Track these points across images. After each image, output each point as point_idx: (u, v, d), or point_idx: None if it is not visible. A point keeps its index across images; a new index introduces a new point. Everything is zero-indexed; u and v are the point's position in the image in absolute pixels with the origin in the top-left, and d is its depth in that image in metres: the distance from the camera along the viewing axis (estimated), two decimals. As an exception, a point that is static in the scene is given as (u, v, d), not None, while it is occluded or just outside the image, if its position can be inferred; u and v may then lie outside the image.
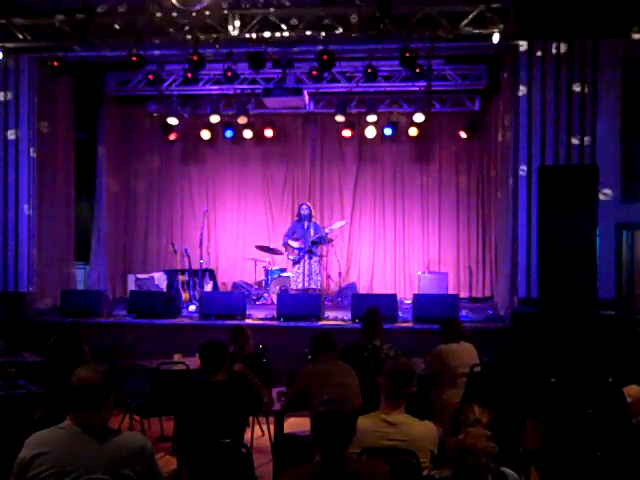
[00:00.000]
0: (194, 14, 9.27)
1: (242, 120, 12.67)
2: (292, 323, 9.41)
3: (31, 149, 10.42)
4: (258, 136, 13.31)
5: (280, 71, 11.16)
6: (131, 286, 11.97)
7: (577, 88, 9.37)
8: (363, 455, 3.58)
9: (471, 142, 13.03)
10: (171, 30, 9.52)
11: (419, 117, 11.95)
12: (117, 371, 6.89)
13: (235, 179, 13.93)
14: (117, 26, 9.51)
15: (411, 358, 5.78)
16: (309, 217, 11.71)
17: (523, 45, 9.45)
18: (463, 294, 12.36)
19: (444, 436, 3.13)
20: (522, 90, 9.51)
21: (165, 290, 11.28)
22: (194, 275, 11.49)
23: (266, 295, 11.83)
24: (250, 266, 12.59)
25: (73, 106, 11.61)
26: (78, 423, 2.87)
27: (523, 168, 9.49)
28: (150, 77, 10.97)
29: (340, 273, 12.46)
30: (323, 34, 9.25)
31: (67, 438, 2.85)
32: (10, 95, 10.34)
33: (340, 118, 12.58)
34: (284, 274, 11.93)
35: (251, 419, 5.77)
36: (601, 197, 8.92)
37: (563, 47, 9.38)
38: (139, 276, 12.03)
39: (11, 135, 10.33)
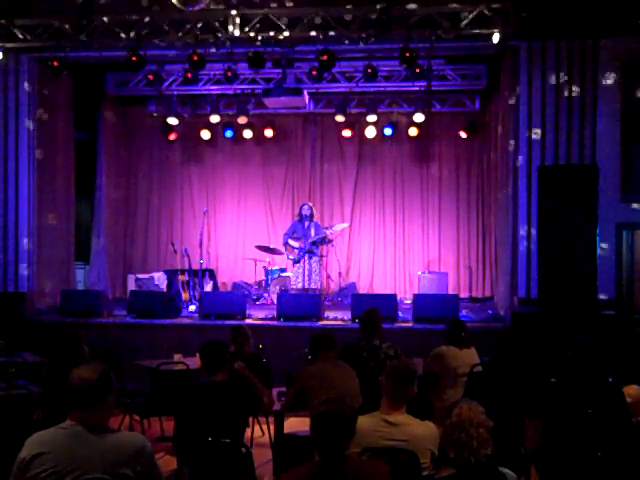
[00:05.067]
0: (194, 14, 9.27)
1: (242, 120, 12.67)
2: (292, 323, 9.40)
3: (31, 149, 10.42)
4: (258, 136, 13.31)
5: (280, 71, 11.15)
6: (131, 286, 11.97)
7: (577, 88, 9.37)
8: (363, 455, 3.59)
9: (471, 142, 13.03)
10: (171, 30, 9.52)
11: (419, 117, 11.95)
12: (118, 371, 6.89)
13: (235, 179, 13.93)
14: (117, 26, 9.50)
15: (411, 358, 5.78)
16: (310, 217, 11.70)
17: (523, 45, 9.45)
18: (463, 294, 12.36)
19: (443, 436, 3.13)
20: (522, 90, 9.51)
21: (165, 290, 11.28)
22: (194, 275, 11.48)
23: (266, 295, 11.83)
24: (250, 266, 12.59)
25: (73, 106, 11.61)
26: (78, 423, 2.87)
27: (523, 168, 9.49)
28: (150, 77, 10.96)
29: (340, 273, 12.46)
30: (323, 34, 9.24)
31: (67, 438, 2.85)
32: (10, 95, 10.33)
33: (340, 118, 12.59)
34: (284, 274, 11.93)
35: (251, 419, 5.77)
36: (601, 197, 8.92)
37: (563, 47, 9.39)
38: (139, 276, 12.03)
39: (11, 135, 10.33)
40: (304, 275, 11.32)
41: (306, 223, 11.65)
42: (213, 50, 9.58)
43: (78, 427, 2.87)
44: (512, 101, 9.84)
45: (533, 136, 9.46)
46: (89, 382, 2.89)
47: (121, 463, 2.83)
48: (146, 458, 2.90)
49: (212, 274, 12.32)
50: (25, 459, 2.83)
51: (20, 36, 9.74)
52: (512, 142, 9.76)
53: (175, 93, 12.55)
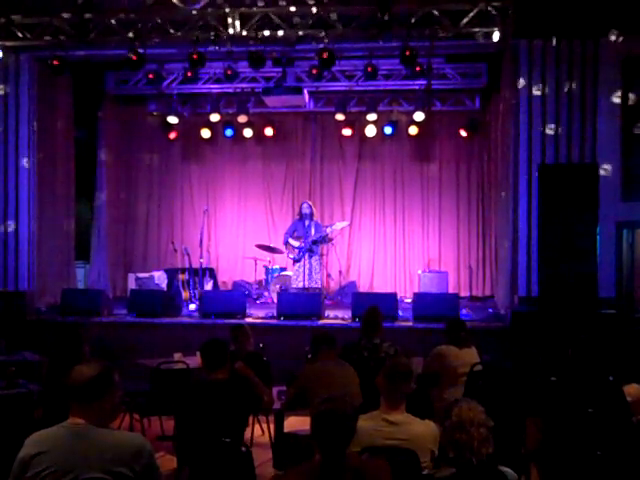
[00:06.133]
0: (194, 13, 9.28)
1: (242, 119, 12.66)
2: (292, 322, 9.40)
3: (31, 148, 10.41)
4: (258, 135, 13.30)
5: (280, 70, 11.14)
6: (131, 285, 11.95)
7: (577, 86, 9.36)
8: (364, 454, 3.58)
9: (471, 141, 13.02)
10: (171, 29, 9.52)
11: (419, 116, 11.94)
12: (118, 370, 6.89)
13: (235, 178, 13.92)
14: (117, 25, 9.50)
15: (411, 357, 5.78)
16: (310, 216, 11.70)
17: (523, 44, 9.44)
18: (463, 293, 12.35)
19: (443, 437, 3.13)
20: (522, 89, 9.50)
21: (165, 289, 11.28)
22: (194, 274, 11.48)
23: (266, 294, 11.83)
24: (250, 265, 12.59)
25: (73, 105, 11.61)
26: (78, 421, 2.87)
27: (523, 166, 9.48)
28: (150, 76, 10.96)
29: (340, 272, 12.46)
30: (323, 33, 9.24)
31: (66, 437, 2.85)
32: (10, 94, 10.33)
33: (340, 117, 12.58)
34: (284, 273, 11.93)
35: (251, 418, 5.77)
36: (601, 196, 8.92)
37: (563, 46, 9.38)
38: (139, 275, 12.01)
39: (11, 134, 10.33)
40: (304, 274, 11.32)
41: (306, 222, 11.64)
42: (213, 49, 9.58)
43: (78, 426, 2.87)
44: (512, 100, 9.83)
45: (533, 135, 9.45)
46: (88, 378, 2.90)
47: (120, 462, 2.82)
48: (145, 458, 2.90)
49: (212, 273, 12.31)
50: (25, 458, 2.83)
51: (20, 35, 9.74)
52: (512, 141, 9.75)
53: (175, 92, 12.54)
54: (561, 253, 8.60)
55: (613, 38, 8.82)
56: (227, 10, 9.30)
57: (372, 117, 12.42)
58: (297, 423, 5.60)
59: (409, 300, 11.09)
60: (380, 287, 13.12)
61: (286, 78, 11.20)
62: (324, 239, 11.61)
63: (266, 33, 9.37)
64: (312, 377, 5.04)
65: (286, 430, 5.43)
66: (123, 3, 9.46)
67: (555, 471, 4.38)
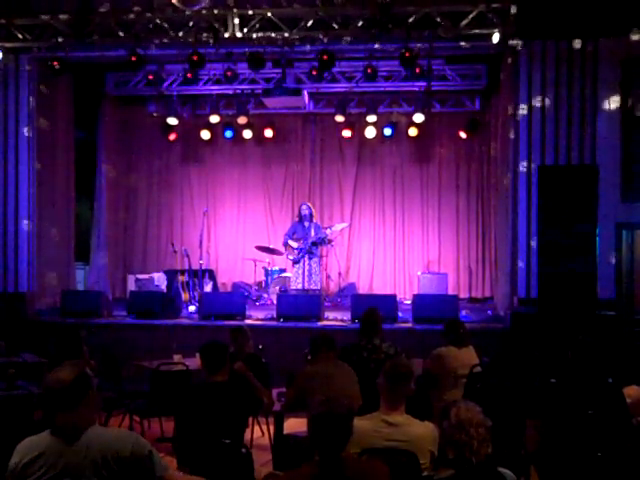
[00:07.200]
0: (194, 14, 9.28)
1: (242, 120, 12.66)
2: (292, 323, 9.40)
3: (31, 149, 10.41)
4: (258, 136, 13.31)
5: (280, 71, 11.14)
6: (131, 286, 11.96)
7: (577, 88, 9.37)
8: (363, 455, 3.58)
9: (471, 142, 13.02)
10: (171, 30, 9.52)
11: (419, 117, 11.93)
12: (118, 371, 6.89)
13: (235, 179, 13.93)
14: (117, 26, 9.50)
15: (411, 358, 5.78)
16: (310, 217, 11.70)
17: (523, 45, 9.44)
18: (463, 294, 12.36)
19: (442, 438, 3.13)
20: (522, 90, 9.50)
21: (165, 290, 11.27)
22: (194, 275, 11.47)
23: (266, 295, 11.83)
24: (250, 266, 12.59)
25: (73, 106, 11.61)
26: (62, 424, 2.87)
27: (523, 168, 9.48)
28: (150, 77, 10.98)
29: (340, 273, 12.45)
30: (323, 34, 9.24)
31: (56, 441, 2.86)
32: (10, 95, 10.33)
33: (340, 118, 12.58)
34: (284, 274, 11.93)
35: (251, 419, 5.77)
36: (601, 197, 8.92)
37: (563, 47, 9.38)
38: (139, 276, 12.02)
39: (11, 135, 10.32)
40: (304, 275, 11.32)
41: (306, 223, 11.65)
42: (213, 50, 9.59)
43: (66, 429, 2.87)
44: (512, 101, 9.83)
45: (533, 136, 9.45)
46: (62, 385, 2.88)
47: (111, 460, 2.82)
48: (139, 452, 2.90)
49: (212, 274, 12.31)
50: (17, 466, 2.83)
51: (20, 36, 9.75)
52: (512, 142, 9.74)
53: (175, 93, 12.54)
54: (561, 254, 8.61)
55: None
56: (227, 11, 9.31)
57: (372, 118, 12.42)
58: (297, 424, 5.61)
59: (409, 302, 11.09)
60: (380, 289, 13.13)
61: (286, 79, 11.20)
62: (323, 241, 11.61)
63: (266, 34, 9.37)
64: (311, 379, 5.03)
65: (286, 431, 5.43)
66: (123, 4, 9.47)
67: (554, 473, 4.38)
